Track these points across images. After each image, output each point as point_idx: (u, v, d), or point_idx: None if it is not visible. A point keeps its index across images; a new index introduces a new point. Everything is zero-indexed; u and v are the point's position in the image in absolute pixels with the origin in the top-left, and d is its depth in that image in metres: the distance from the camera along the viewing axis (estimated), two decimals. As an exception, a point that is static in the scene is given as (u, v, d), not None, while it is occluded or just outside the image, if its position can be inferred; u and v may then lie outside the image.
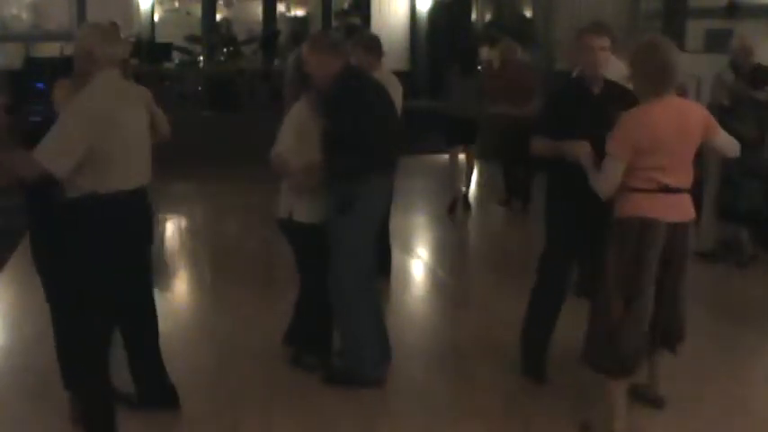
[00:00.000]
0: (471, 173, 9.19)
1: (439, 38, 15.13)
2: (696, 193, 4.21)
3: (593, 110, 4.23)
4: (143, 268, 3.95)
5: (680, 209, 3.85)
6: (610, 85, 4.38)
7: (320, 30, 6.18)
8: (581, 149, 4.01)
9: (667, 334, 4.06)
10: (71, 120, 3.47)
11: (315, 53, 4.26)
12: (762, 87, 6.69)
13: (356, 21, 15.98)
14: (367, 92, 4.30)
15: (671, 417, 4.19)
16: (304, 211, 4.41)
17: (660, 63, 3.69)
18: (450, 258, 7.31)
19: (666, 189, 3.77)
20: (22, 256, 6.38)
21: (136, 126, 3.71)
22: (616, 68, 4.72)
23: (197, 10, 16.13)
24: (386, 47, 6.04)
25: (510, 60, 9.03)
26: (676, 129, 3.72)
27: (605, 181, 3.82)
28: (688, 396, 4.39)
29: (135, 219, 3.74)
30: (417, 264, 6.91)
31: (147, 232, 3.93)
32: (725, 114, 6.27)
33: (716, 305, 5.95)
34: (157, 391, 4.13)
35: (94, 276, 3.63)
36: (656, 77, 3.71)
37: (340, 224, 4.27)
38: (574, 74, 4.90)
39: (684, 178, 3.84)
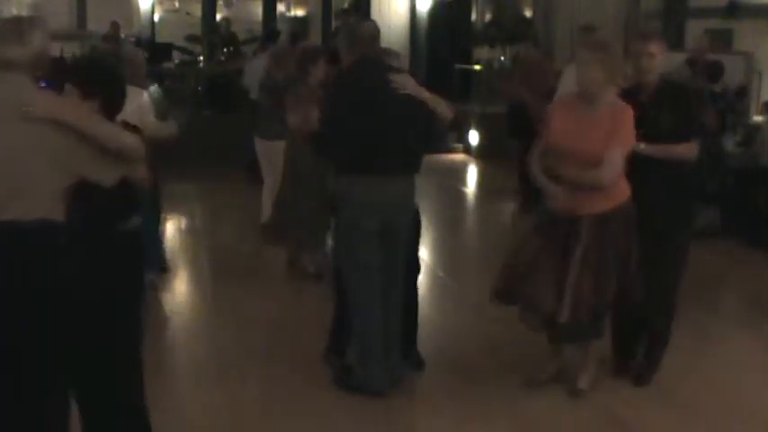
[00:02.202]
0: None
1: (439, 38, 15.11)
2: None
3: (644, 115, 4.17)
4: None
5: None
6: (662, 89, 4.32)
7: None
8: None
9: None
10: None
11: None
12: (718, 81, 7.69)
13: (356, 21, 15.95)
14: (359, 91, 4.21)
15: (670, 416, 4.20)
16: None
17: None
18: (451, 258, 7.32)
19: None
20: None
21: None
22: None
23: (197, 10, 16.11)
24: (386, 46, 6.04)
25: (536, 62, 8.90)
26: None
27: (616, 171, 4.02)
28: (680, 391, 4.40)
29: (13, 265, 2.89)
30: (417, 264, 6.90)
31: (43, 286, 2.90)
32: None
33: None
34: None
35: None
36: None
37: (337, 222, 4.39)
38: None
39: None
